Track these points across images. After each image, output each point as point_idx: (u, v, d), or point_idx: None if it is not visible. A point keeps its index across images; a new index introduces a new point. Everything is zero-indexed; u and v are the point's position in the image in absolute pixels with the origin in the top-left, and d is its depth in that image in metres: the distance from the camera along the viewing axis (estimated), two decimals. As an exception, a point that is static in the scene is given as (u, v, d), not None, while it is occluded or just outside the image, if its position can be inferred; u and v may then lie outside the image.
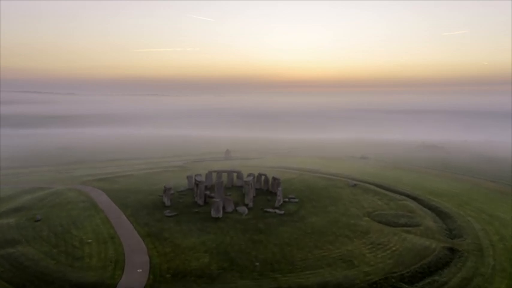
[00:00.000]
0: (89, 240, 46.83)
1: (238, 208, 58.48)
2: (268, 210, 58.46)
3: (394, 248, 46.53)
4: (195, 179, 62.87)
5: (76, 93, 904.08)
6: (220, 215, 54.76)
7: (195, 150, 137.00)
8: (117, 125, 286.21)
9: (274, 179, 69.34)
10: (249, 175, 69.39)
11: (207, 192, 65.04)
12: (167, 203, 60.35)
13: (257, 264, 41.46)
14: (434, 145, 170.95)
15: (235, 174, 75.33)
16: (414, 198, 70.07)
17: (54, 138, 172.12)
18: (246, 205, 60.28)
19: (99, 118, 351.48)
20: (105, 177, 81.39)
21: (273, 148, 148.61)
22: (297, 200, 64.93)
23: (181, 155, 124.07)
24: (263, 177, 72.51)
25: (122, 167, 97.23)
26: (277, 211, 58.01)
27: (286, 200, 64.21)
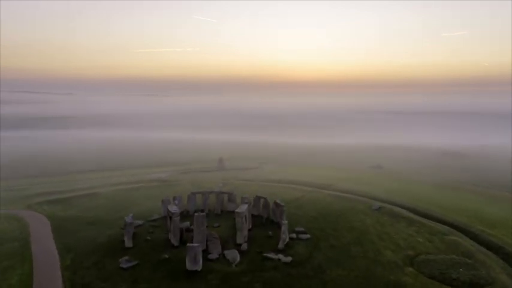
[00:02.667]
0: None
1: (226, 252, 41.36)
2: (268, 255, 41.27)
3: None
4: (168, 210, 45.61)
5: (74, 93, 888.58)
6: (199, 266, 37.63)
7: (186, 157, 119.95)
8: (110, 127, 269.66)
9: (276, 205, 52.17)
10: (243, 200, 52.20)
11: (187, 225, 48.05)
12: (128, 243, 43.20)
13: None
14: (454, 151, 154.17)
15: (225, 196, 58.17)
16: (463, 230, 52.83)
17: (32, 142, 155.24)
18: (239, 246, 43.19)
19: (93, 119, 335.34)
20: (63, 197, 64.26)
21: (274, 155, 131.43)
22: (308, 235, 47.72)
23: (168, 164, 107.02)
24: (262, 200, 55.28)
25: (91, 182, 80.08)
26: (282, 257, 40.86)
27: (293, 235, 47.05)
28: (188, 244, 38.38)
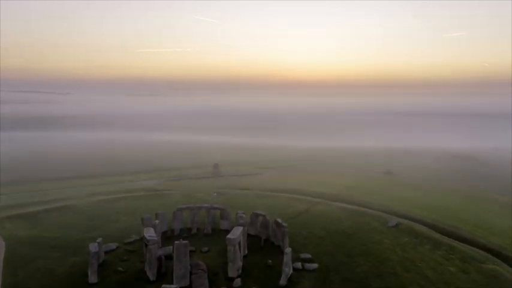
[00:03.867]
0: None
1: (214, 292, 32.83)
2: (267, 296, 32.70)
3: None
4: (144, 236, 37.02)
5: (72, 93, 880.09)
6: (178, 314, 29.04)
7: (180, 162, 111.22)
8: (106, 128, 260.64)
9: (277, 224, 43.65)
10: (238, 219, 43.65)
11: (169, 250, 39.59)
12: (92, 278, 34.63)
13: None
14: (464, 155, 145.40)
15: (217, 212, 49.65)
16: (500, 255, 44.26)
17: (17, 144, 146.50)
18: (231, 281, 34.69)
19: (89, 119, 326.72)
20: (29, 211, 55.50)
21: (276, 159, 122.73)
22: (315, 264, 39.13)
23: (159, 170, 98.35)
24: (261, 218, 46.72)
25: (67, 192, 71.30)
26: (285, 298, 32.26)
27: (298, 265, 38.44)
28: (164, 286, 29.78)
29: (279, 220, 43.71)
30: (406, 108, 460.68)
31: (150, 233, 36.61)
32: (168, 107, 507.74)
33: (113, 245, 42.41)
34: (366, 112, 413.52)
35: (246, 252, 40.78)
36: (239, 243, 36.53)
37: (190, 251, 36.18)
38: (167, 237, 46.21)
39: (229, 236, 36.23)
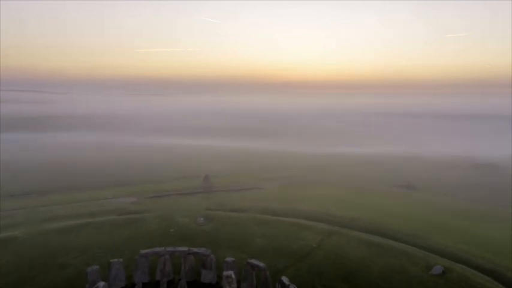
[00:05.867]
0: None
1: None
2: None
3: None
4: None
5: (71, 93, 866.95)
6: None
7: (167, 171, 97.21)
8: (99, 129, 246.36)
9: (282, 285, 29.52)
10: (226, 268, 29.60)
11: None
12: None
13: None
14: (486, 163, 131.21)
15: (198, 258, 35.52)
16: None
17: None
18: None
19: (83, 119, 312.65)
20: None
21: (278, 167, 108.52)
22: None
23: (141, 182, 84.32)
24: (261, 274, 32.57)
25: (16, 216, 57.13)
26: None
27: None
28: None
29: (285, 280, 29.62)
30: (412, 110, 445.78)
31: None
32: (168, 107, 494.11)
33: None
34: (370, 113, 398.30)
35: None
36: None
37: None
38: (125, 295, 32.32)
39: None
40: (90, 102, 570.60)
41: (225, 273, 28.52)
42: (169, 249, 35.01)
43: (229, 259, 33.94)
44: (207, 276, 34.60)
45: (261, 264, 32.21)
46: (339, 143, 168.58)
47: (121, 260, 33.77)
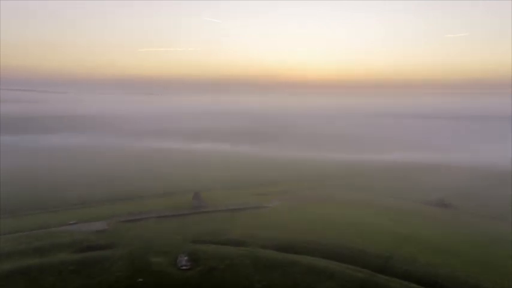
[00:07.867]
0: None
1: None
2: None
3: None
4: None
5: (69, 92, 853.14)
6: None
7: (150, 185, 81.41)
8: (94, 130, 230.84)
9: None
10: None
11: None
12: None
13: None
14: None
15: None
16: None
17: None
18: None
19: (80, 120, 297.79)
20: None
21: (287, 178, 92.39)
22: None
23: (115, 199, 68.91)
24: None
25: None
26: None
27: None
28: None
29: None
30: (420, 111, 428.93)
31: None
32: (168, 108, 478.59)
33: None
34: (372, 115, 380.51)
35: None
36: None
37: None
38: None
39: None
40: (89, 102, 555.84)
41: None
42: None
43: None
44: None
45: None
46: (351, 149, 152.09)
47: None
